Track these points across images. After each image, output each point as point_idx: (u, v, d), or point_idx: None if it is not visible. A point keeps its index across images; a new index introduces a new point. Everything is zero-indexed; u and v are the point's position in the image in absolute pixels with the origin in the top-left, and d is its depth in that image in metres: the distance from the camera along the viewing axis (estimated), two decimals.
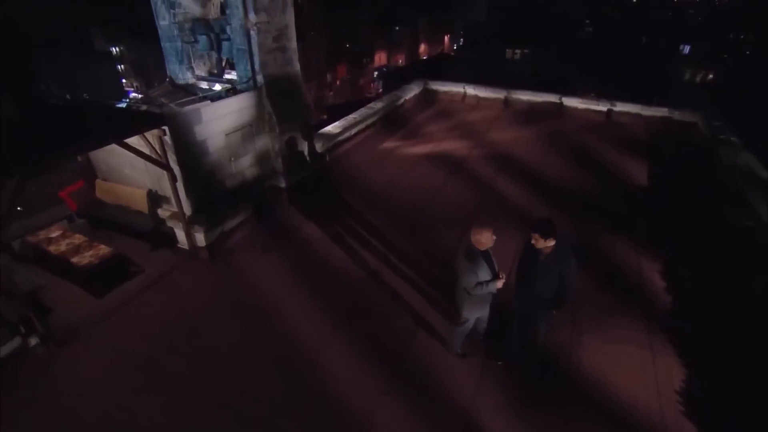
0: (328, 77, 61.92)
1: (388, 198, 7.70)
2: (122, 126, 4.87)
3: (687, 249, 6.44)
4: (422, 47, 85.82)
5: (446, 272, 5.67)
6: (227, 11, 6.46)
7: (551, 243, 3.80)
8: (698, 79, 45.28)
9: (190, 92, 7.32)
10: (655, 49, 49.26)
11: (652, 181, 8.56)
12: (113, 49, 51.05)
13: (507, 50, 46.78)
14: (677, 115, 11.28)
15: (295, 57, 7.28)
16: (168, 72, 7.66)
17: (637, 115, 11.66)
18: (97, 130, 4.80)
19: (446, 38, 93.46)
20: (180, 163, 5.64)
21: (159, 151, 5.35)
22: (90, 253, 5.60)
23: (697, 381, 4.41)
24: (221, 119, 6.22)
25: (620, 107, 11.74)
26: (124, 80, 51.32)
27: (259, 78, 6.69)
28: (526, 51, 46.00)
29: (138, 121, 5.06)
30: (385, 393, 4.27)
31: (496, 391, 4.32)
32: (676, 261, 6.16)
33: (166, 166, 5.42)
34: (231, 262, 6.05)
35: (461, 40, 79.50)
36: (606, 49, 48.09)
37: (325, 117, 40.90)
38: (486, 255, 3.98)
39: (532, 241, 3.86)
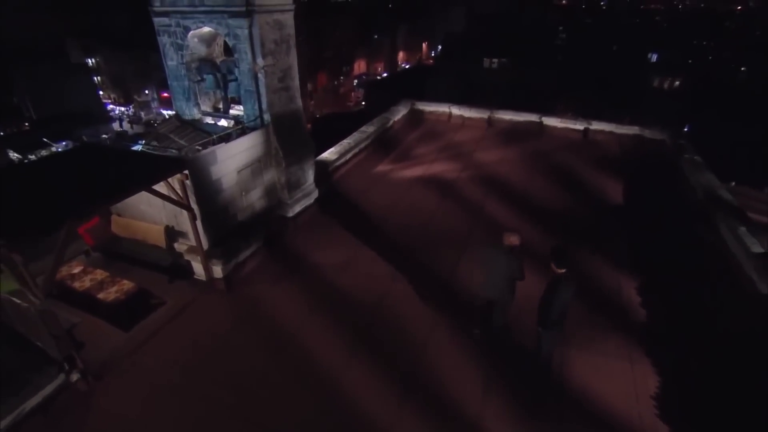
0: (309, 86, 62.24)
1: (387, 223, 8.25)
2: (151, 173, 5.28)
3: (659, 265, 7.17)
4: (401, 55, 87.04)
5: (448, 292, 6.48)
6: (236, 55, 6.92)
7: (555, 268, 4.68)
8: (666, 85, 47.41)
9: (197, 127, 7.75)
10: (626, 57, 51.32)
11: (627, 199, 9.36)
12: (89, 60, 50.30)
13: (485, 59, 47.93)
14: (647, 133, 12.21)
15: (298, 94, 7.79)
16: (174, 108, 8.04)
17: (611, 133, 12.56)
18: (129, 177, 5.20)
19: (424, 46, 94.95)
20: (198, 202, 6.06)
21: (180, 193, 5.77)
22: (115, 288, 5.96)
23: (671, 388, 5.08)
24: (234, 158, 6.67)
25: (596, 126, 12.62)
26: (101, 92, 50.58)
27: (266, 116, 7.16)
28: (503, 60, 47.24)
29: (165, 167, 5.48)
30: (401, 407, 4.80)
31: (499, 401, 4.91)
32: (650, 277, 6.89)
33: (187, 207, 5.84)
34: (247, 292, 6.48)
35: (439, 47, 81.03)
36: (580, 56, 49.89)
37: (309, 125, 41.26)
38: None
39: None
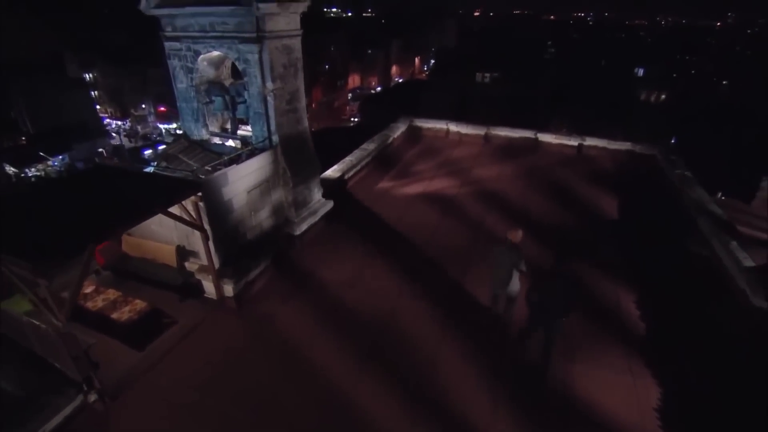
0: (305, 100, 62.78)
1: (391, 239, 8.44)
2: (168, 195, 5.44)
3: (655, 279, 7.41)
4: (394, 69, 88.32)
5: (454, 306, 6.70)
6: (245, 79, 7.14)
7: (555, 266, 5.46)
8: (653, 99, 48.55)
9: (206, 148, 7.93)
10: (614, 71, 52.58)
11: (622, 214, 9.65)
12: (87, 75, 50.45)
13: (477, 74, 48.82)
14: (639, 148, 12.59)
15: (304, 115, 8.02)
16: (183, 128, 8.22)
17: (605, 149, 12.93)
18: (146, 199, 5.36)
19: (417, 60, 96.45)
20: (210, 223, 6.21)
21: (194, 214, 5.92)
22: (128, 308, 6.06)
23: (672, 399, 5.27)
24: (244, 179, 6.85)
25: (589, 141, 13.00)
26: (98, 106, 50.65)
27: (275, 137, 7.37)
28: (495, 74, 48.13)
29: (181, 189, 5.64)
30: (412, 422, 4.92)
31: (508, 414, 5.07)
32: (647, 290, 7.12)
33: (200, 228, 5.99)
34: (257, 310, 6.60)
35: (431, 61, 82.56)
36: (570, 70, 51.04)
37: None
38: None
39: None
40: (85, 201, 5.44)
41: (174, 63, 7.67)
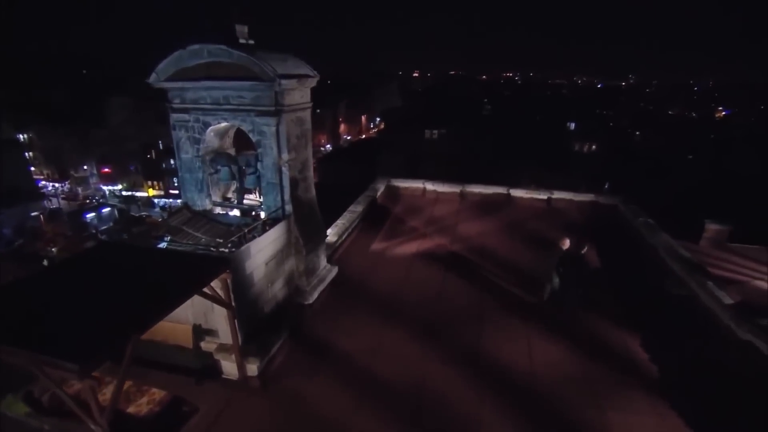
0: None
1: (400, 301, 8.42)
2: (199, 274, 5.22)
3: (649, 320, 7.95)
4: (342, 127, 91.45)
5: (481, 365, 6.74)
6: (260, 150, 7.20)
7: (576, 250, 7.83)
8: (585, 149, 53.57)
9: (211, 219, 7.75)
10: (548, 125, 57.86)
11: (602, 261, 10.38)
12: (21, 135, 47.13)
13: (426, 131, 51.58)
14: (602, 199, 13.83)
15: (312, 183, 8.15)
16: (184, 199, 8.00)
17: (571, 201, 14.05)
18: (177, 280, 5.10)
19: (363, 118, 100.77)
20: (236, 299, 5.97)
21: (221, 292, 5.68)
22: (145, 399, 5.53)
23: None
24: (263, 251, 6.73)
25: (557, 195, 14.09)
26: (33, 168, 47.01)
27: (288, 207, 7.37)
28: (442, 131, 51.12)
29: (210, 266, 5.44)
30: None
31: None
32: (648, 332, 7.61)
33: (228, 305, 5.73)
34: (282, 389, 6.22)
35: (377, 119, 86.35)
36: (509, 125, 55.49)
37: None
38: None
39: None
40: (111, 285, 5.07)
41: (179, 134, 7.60)
